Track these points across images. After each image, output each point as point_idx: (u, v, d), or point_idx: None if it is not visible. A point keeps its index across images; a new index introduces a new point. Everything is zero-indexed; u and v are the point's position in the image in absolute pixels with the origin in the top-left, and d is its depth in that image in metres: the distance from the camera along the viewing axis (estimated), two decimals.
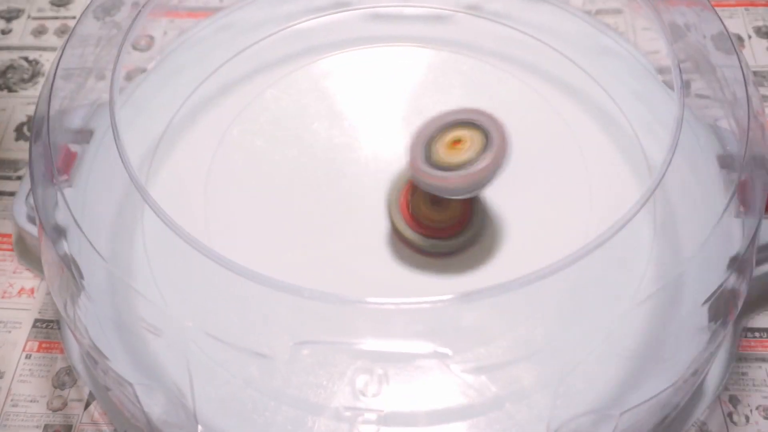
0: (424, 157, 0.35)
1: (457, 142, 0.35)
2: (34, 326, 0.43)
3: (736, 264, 0.34)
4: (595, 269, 0.32)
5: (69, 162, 0.40)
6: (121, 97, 0.41)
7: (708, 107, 0.40)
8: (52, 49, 0.55)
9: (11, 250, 0.46)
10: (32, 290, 0.44)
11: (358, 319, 0.31)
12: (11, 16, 0.57)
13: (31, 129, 0.38)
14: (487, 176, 0.34)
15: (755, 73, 0.52)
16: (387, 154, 0.41)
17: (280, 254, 0.38)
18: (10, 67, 0.54)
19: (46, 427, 0.39)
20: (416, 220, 0.37)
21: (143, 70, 0.46)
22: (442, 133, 0.35)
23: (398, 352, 0.32)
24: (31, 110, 0.52)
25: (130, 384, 0.33)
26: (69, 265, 0.34)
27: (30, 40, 0.56)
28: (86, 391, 0.40)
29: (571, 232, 0.38)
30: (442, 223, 0.37)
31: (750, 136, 0.35)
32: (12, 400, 0.40)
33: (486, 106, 0.43)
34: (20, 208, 0.42)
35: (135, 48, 0.49)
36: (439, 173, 0.34)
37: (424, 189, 0.35)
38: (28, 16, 0.57)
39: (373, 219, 0.39)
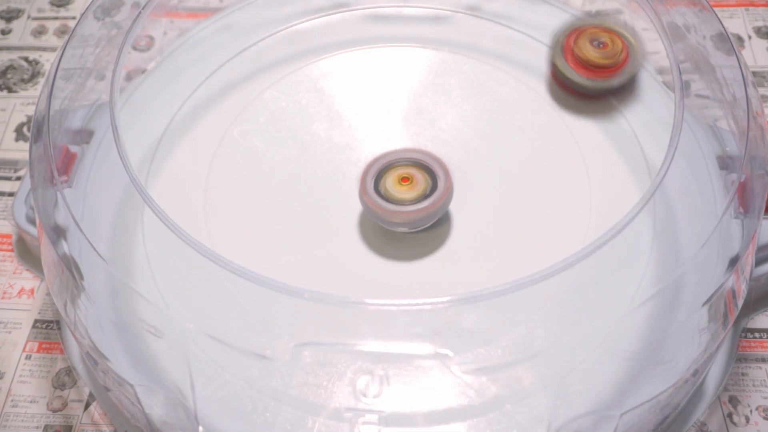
0: (374, 187, 0.37)
1: (405, 179, 0.37)
2: (34, 327, 0.43)
3: (736, 265, 0.34)
4: (596, 270, 0.32)
5: (69, 162, 0.40)
6: (121, 98, 0.41)
7: (707, 108, 0.40)
8: (52, 49, 0.55)
9: (11, 250, 0.46)
10: (32, 291, 0.44)
11: (359, 320, 0.31)
12: (11, 16, 0.57)
13: (31, 129, 0.38)
14: (431, 215, 0.37)
15: (755, 74, 0.52)
16: None
17: (280, 255, 0.38)
18: (10, 67, 0.54)
19: (46, 427, 0.39)
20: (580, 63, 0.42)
21: (143, 71, 0.46)
22: (391, 168, 0.38)
23: (399, 353, 0.32)
24: (31, 110, 0.52)
25: (131, 385, 0.33)
26: (69, 265, 0.34)
27: (30, 40, 0.56)
28: (86, 391, 0.40)
29: (571, 234, 0.38)
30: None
31: (749, 136, 0.35)
32: (12, 401, 0.40)
33: (486, 106, 0.43)
34: (20, 209, 0.42)
35: (135, 48, 0.49)
36: (387, 205, 0.37)
37: (371, 217, 0.38)
38: (28, 16, 0.57)
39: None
